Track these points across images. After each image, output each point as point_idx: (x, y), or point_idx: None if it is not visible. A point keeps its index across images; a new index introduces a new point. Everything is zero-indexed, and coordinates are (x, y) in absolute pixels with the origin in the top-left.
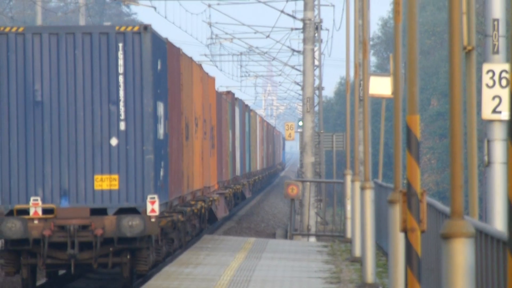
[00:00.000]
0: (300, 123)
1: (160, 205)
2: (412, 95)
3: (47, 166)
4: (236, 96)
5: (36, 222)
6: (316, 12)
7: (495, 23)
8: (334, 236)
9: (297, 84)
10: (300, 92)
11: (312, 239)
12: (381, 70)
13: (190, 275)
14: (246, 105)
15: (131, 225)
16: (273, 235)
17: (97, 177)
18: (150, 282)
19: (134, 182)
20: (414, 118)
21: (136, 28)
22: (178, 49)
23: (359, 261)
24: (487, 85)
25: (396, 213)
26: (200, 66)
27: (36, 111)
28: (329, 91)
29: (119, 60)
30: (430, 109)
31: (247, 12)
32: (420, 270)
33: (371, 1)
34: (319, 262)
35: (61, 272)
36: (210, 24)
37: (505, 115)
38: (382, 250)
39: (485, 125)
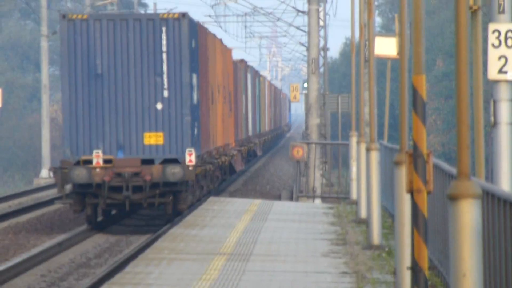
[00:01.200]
0: (305, 85)
1: (196, 157)
2: (418, 55)
3: (106, 125)
4: (243, 59)
5: (98, 170)
6: None
7: None
8: (340, 198)
9: (302, 45)
10: (305, 53)
11: (318, 201)
12: (386, 30)
13: (197, 236)
14: (256, 71)
15: (173, 172)
16: (278, 197)
17: (146, 134)
18: (157, 244)
19: (175, 138)
20: (420, 78)
21: (176, 15)
22: (205, 29)
23: (365, 223)
24: (493, 45)
25: (402, 174)
26: (220, 40)
27: (97, 82)
28: (334, 52)
29: (162, 40)
30: (436, 70)
31: None
32: (427, 232)
33: None
34: (325, 224)
35: (113, 211)
36: None
37: (511, 75)
38: (388, 212)
39: (491, 86)
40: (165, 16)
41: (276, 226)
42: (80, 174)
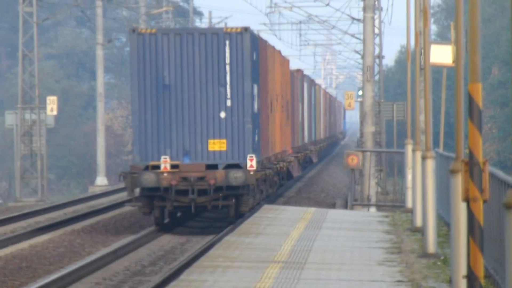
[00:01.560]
0: (360, 92)
1: (256, 162)
2: (474, 64)
3: (173, 133)
4: (299, 69)
5: (165, 174)
6: None
7: None
8: (395, 206)
9: (357, 52)
10: (360, 61)
11: (373, 209)
12: (442, 38)
13: (251, 244)
14: (312, 80)
15: (236, 176)
16: (333, 205)
17: (210, 141)
18: (212, 252)
19: (237, 145)
20: (476, 87)
21: (239, 29)
22: (265, 41)
23: (420, 231)
24: None
25: (458, 183)
26: (279, 52)
27: (165, 92)
28: (389, 60)
29: (226, 53)
30: (491, 78)
31: None
32: (482, 240)
33: None
34: (380, 232)
35: (179, 214)
36: None
37: None
38: (443, 220)
39: None
40: (228, 30)
41: (331, 235)
42: (148, 179)
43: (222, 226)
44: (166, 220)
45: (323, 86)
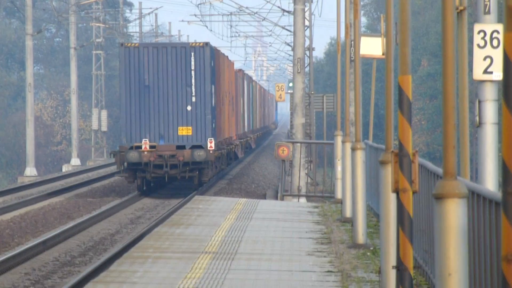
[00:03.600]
0: (291, 84)
1: (214, 144)
2: (404, 56)
3: (151, 121)
4: (241, 69)
5: (145, 153)
6: None
7: None
8: (325, 197)
9: (288, 44)
10: (291, 53)
11: (303, 200)
12: (371, 30)
13: (182, 235)
14: (250, 77)
15: (199, 154)
16: (263, 196)
17: (180, 127)
18: (142, 243)
19: (200, 130)
20: (406, 78)
21: (201, 44)
22: (219, 51)
23: (350, 222)
24: (479, 46)
25: (388, 174)
26: (227, 57)
27: (145, 91)
28: (319, 52)
29: (191, 61)
30: (420, 70)
31: None
32: (412, 231)
33: None
34: (310, 222)
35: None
36: None
37: (496, 76)
38: (373, 211)
39: (476, 86)
40: (193, 44)
41: (261, 225)
42: (133, 156)
43: (188, 192)
44: (145, 188)
45: (254, 78)
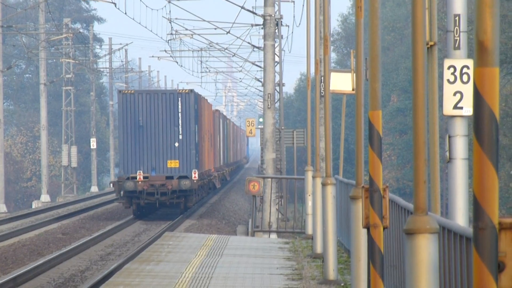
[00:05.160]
0: (261, 120)
1: (198, 174)
2: (374, 91)
3: (145, 156)
4: (217, 109)
5: (140, 182)
6: (276, 8)
7: (456, 18)
8: (295, 232)
9: (258, 80)
10: (261, 88)
11: (274, 236)
12: (341, 66)
13: (152, 272)
14: (225, 116)
15: (185, 183)
16: (234, 232)
17: (169, 161)
18: (112, 280)
19: (186, 163)
20: (376, 114)
21: (187, 91)
22: (202, 96)
23: (321, 258)
24: (449, 81)
25: (359, 209)
26: (207, 100)
27: (140, 130)
28: (289, 88)
29: (179, 105)
30: (390, 106)
31: (207, 8)
32: (383, 267)
33: None
34: (281, 258)
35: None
36: (170, 20)
37: (466, 111)
38: (344, 247)
39: (446, 121)
40: (180, 91)
41: (232, 261)
42: (129, 185)
43: (175, 216)
44: (139, 213)
45: (224, 113)
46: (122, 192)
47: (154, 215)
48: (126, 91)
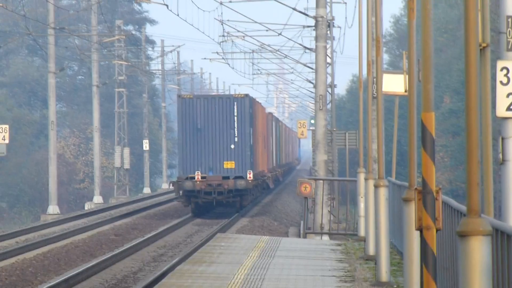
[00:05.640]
0: (312, 121)
1: (252, 175)
2: (427, 92)
3: (202, 157)
4: (270, 112)
5: (198, 182)
6: (328, 9)
7: (509, 20)
8: (348, 234)
9: (309, 81)
10: (312, 89)
11: (326, 238)
12: (393, 67)
13: (204, 273)
14: (277, 118)
15: (241, 183)
16: (286, 234)
17: (225, 162)
18: (164, 281)
19: (241, 164)
20: (429, 116)
21: (242, 95)
22: (256, 100)
23: (373, 260)
24: (501, 83)
25: (411, 211)
26: (261, 104)
27: (198, 133)
28: (341, 89)
29: (234, 109)
30: (443, 107)
31: (259, 10)
32: (436, 269)
33: None
34: (333, 260)
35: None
36: (222, 22)
37: None
38: (396, 249)
39: (499, 123)
40: (236, 96)
41: (284, 263)
42: (188, 185)
43: (230, 215)
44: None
45: (275, 114)
46: (181, 192)
47: (211, 213)
48: (185, 96)
